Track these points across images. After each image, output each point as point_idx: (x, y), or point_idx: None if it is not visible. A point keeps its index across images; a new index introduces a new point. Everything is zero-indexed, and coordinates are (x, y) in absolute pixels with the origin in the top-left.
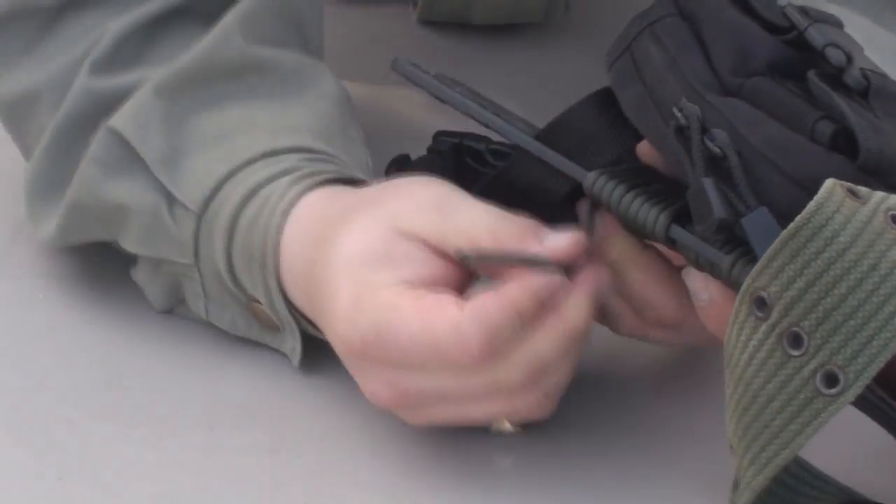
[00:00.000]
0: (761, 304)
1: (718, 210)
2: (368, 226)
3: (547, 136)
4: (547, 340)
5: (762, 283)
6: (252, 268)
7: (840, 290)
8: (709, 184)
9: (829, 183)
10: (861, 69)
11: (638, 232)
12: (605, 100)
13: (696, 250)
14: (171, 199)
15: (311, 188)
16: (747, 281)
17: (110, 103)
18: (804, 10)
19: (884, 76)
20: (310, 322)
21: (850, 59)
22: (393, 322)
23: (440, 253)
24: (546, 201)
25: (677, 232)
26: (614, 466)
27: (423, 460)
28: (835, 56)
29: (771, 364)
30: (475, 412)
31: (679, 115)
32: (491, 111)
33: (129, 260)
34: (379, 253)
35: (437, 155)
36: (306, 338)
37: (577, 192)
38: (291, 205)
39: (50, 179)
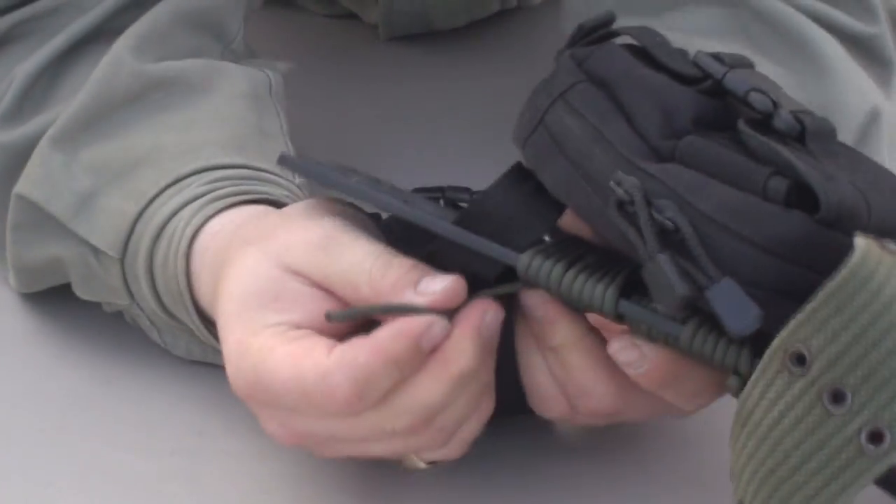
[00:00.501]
0: (799, 359)
1: (680, 288)
2: (259, 261)
3: (466, 220)
4: (430, 385)
5: (802, 336)
6: (177, 306)
7: (887, 345)
8: (665, 260)
9: (861, 239)
10: (791, 112)
11: (583, 310)
12: (520, 177)
13: (650, 323)
14: (93, 248)
15: (212, 215)
16: (782, 336)
17: (26, 153)
18: (716, 56)
19: (810, 113)
20: None
21: (775, 103)
22: (268, 366)
23: (328, 292)
24: (477, 285)
25: (627, 307)
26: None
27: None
28: (760, 101)
29: (808, 422)
30: (375, 450)
31: (618, 189)
32: (399, 198)
33: None
34: (267, 293)
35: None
36: None
37: (508, 273)
38: (191, 241)
39: None
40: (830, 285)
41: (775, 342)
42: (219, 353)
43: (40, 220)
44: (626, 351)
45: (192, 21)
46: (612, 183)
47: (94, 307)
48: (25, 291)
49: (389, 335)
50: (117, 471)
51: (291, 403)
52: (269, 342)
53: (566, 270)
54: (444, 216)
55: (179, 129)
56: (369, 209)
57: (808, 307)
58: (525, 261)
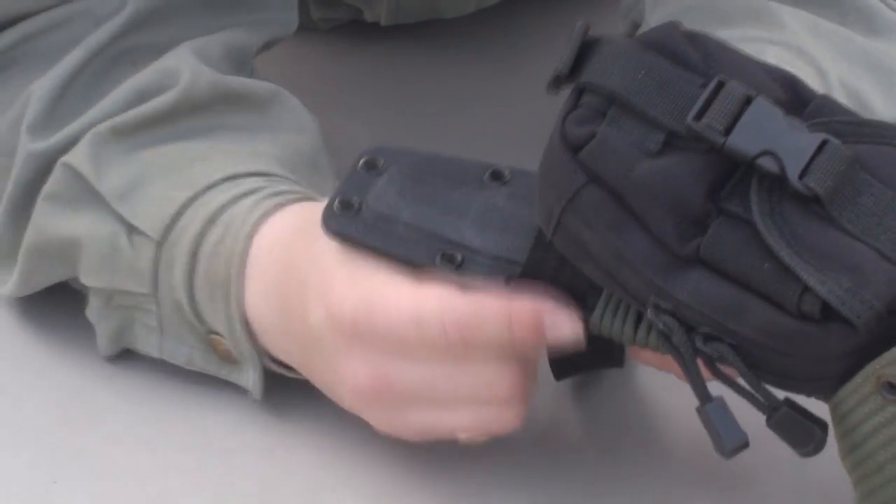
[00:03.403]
0: (890, 388)
1: (730, 443)
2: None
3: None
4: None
5: (893, 371)
6: (215, 296)
7: None
8: (714, 409)
9: None
10: (803, 169)
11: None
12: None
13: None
14: (129, 228)
15: (275, 209)
16: (874, 365)
17: (56, 161)
18: (713, 97)
19: (830, 145)
20: (272, 359)
21: (782, 167)
22: (384, 293)
23: None
24: None
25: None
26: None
27: (416, 465)
28: (769, 165)
29: None
30: (451, 420)
31: (657, 322)
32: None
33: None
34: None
35: None
36: (268, 373)
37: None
38: (256, 228)
39: (9, 246)
40: None
41: (867, 368)
42: (223, 362)
43: (81, 193)
44: None
45: (231, 51)
46: (649, 314)
47: None
48: (21, 293)
49: (524, 302)
50: (121, 469)
51: (400, 336)
52: (385, 276)
53: (636, 328)
54: (501, 263)
55: (237, 140)
56: None
57: None
58: (595, 322)
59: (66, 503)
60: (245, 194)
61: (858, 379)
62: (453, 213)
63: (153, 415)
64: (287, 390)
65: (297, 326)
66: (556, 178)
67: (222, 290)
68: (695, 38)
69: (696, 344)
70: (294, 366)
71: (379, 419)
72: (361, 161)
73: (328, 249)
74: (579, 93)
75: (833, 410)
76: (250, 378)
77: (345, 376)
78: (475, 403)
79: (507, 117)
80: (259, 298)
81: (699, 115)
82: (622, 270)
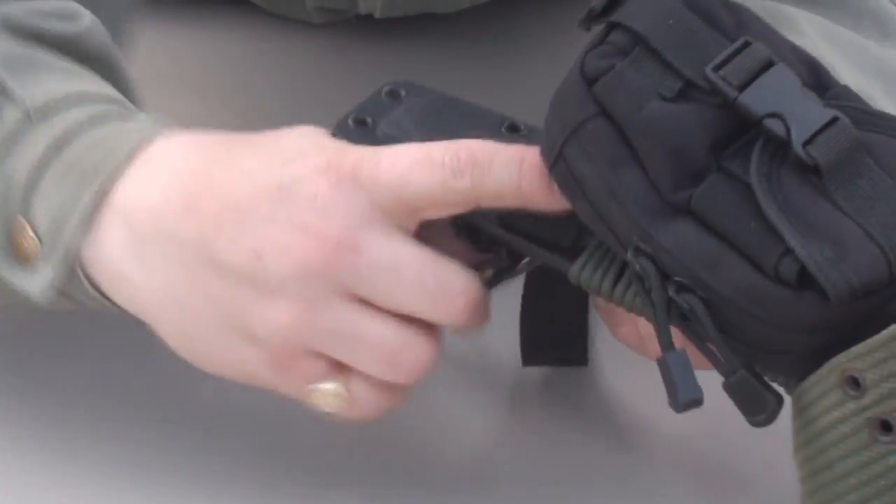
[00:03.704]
0: (854, 383)
1: (684, 395)
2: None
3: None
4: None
5: (859, 366)
6: (67, 179)
7: None
8: (673, 362)
9: None
10: (807, 140)
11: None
12: None
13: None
14: (3, 89)
15: (171, 135)
16: (840, 358)
17: None
18: (736, 54)
19: (844, 94)
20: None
21: (789, 130)
22: (394, 148)
23: None
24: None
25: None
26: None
27: (418, 464)
28: (775, 127)
29: (854, 441)
30: (376, 329)
31: (635, 263)
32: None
33: None
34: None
35: None
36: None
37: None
38: (152, 139)
39: None
40: (893, 331)
41: (834, 360)
42: (12, 258)
43: None
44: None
45: None
46: (628, 255)
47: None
48: None
49: (538, 151)
50: (122, 467)
51: (403, 180)
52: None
53: (615, 283)
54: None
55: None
56: None
57: (869, 342)
58: (575, 273)
59: (68, 502)
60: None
61: (823, 370)
62: None
63: (153, 414)
64: None
65: (213, 203)
66: (565, 108)
67: (82, 176)
68: (731, 6)
69: (669, 292)
70: (134, 275)
71: (297, 306)
72: (385, 89)
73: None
74: (608, 30)
75: (795, 402)
76: (40, 279)
77: (291, 240)
78: (420, 300)
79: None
80: (149, 189)
81: (718, 68)
82: (612, 210)
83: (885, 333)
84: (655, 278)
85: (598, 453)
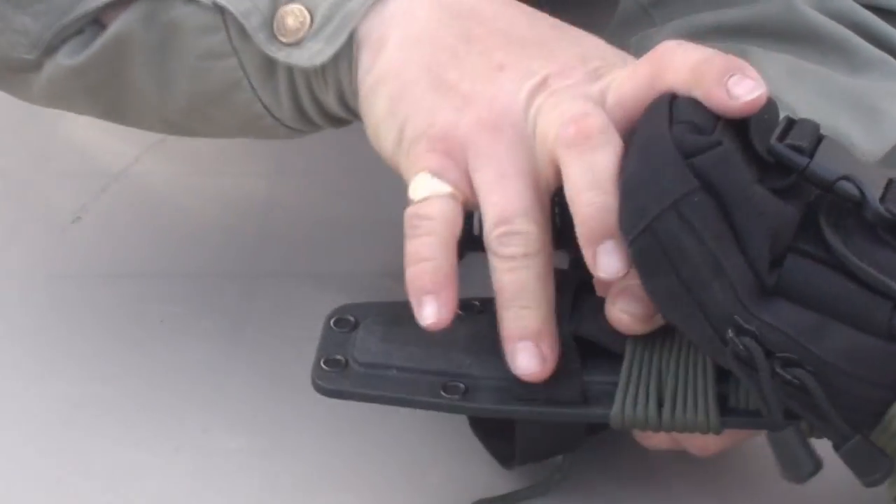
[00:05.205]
0: None
1: (807, 466)
2: None
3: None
4: None
5: None
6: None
7: None
8: (792, 435)
9: None
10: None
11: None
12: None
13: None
14: None
15: None
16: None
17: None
18: (789, 129)
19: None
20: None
21: (861, 190)
22: None
23: None
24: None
25: (731, 422)
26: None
27: (417, 464)
28: (850, 190)
29: None
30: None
31: (737, 343)
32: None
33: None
34: None
35: None
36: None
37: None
38: None
39: None
40: None
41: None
42: (275, 41)
43: None
44: None
45: None
46: (730, 334)
47: (95, 306)
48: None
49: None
50: (122, 467)
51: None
52: None
53: (659, 411)
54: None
55: None
56: None
57: None
58: (617, 418)
59: (66, 503)
60: None
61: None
62: (442, 347)
63: (153, 414)
64: (285, 391)
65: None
66: (658, 178)
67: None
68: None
69: (776, 368)
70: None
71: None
72: (332, 320)
73: None
74: (670, 101)
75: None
76: (310, 50)
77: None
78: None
79: None
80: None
81: (780, 140)
82: (712, 286)
83: None
84: (760, 354)
85: (598, 453)
